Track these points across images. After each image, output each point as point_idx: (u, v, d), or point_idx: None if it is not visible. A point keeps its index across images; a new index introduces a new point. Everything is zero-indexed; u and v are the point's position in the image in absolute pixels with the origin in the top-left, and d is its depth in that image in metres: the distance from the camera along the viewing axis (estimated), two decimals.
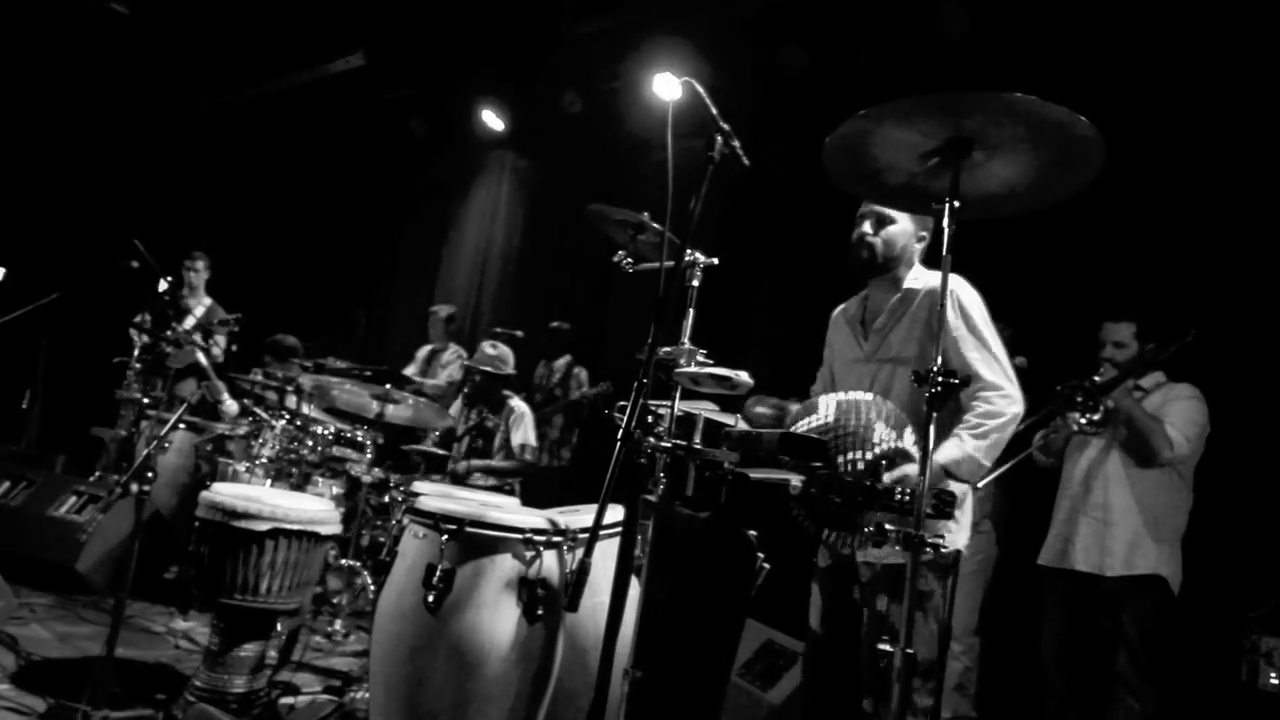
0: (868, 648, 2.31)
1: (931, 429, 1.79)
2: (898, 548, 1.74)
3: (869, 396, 2.21)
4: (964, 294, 2.42)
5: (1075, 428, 3.23)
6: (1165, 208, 4.09)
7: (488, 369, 5.08)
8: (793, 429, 2.15)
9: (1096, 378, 3.26)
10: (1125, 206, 4.19)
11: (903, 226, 2.51)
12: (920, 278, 2.50)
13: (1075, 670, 3.38)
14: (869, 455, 2.06)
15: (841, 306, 2.76)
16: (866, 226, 2.53)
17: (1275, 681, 3.13)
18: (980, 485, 3.30)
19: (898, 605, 2.25)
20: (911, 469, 2.07)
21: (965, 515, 2.45)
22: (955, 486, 2.42)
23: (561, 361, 6.12)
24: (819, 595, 2.54)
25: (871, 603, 2.33)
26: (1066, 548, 3.42)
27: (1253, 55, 3.92)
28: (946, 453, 2.26)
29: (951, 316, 2.36)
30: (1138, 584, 3.23)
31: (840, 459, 2.04)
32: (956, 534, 2.40)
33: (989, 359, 2.35)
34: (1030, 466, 3.68)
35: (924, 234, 2.54)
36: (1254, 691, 3.16)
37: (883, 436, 2.08)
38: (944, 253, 1.88)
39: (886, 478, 2.05)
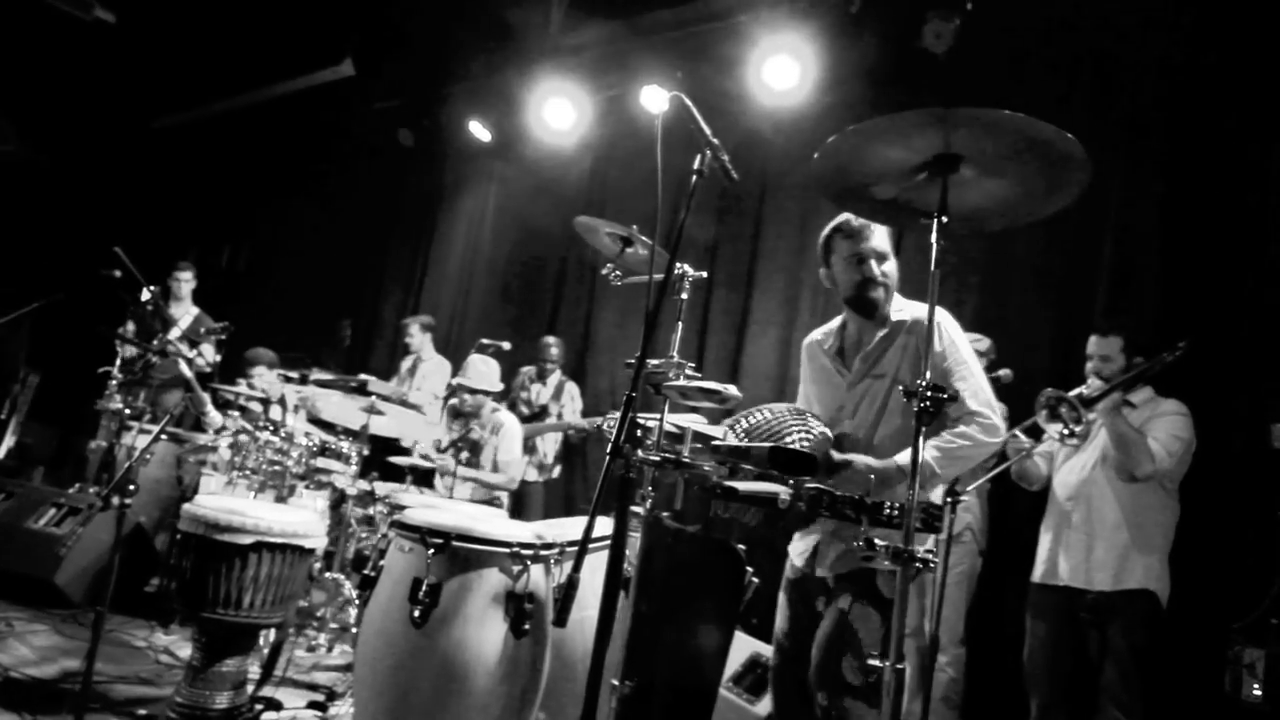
0: (820, 646, 2.29)
1: (920, 441, 1.80)
2: (886, 563, 1.74)
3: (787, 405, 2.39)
4: (949, 325, 2.47)
5: (1057, 438, 3.25)
6: (1153, 221, 4.13)
7: (474, 386, 5.08)
8: (733, 429, 2.26)
9: (1084, 390, 3.28)
10: (1113, 219, 4.23)
11: (893, 261, 2.54)
12: (904, 309, 2.52)
13: (1059, 681, 3.38)
14: (814, 434, 2.24)
15: (815, 337, 2.72)
16: (874, 268, 2.50)
17: (1258, 692, 3.14)
18: (966, 494, 3.32)
19: (860, 605, 2.26)
20: (857, 457, 2.31)
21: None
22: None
23: (552, 377, 6.11)
24: (785, 605, 2.55)
25: (834, 601, 2.33)
26: (1055, 563, 3.42)
27: (1240, 67, 3.97)
28: (907, 455, 2.26)
29: (940, 347, 2.41)
30: (1127, 598, 3.24)
31: (788, 439, 2.20)
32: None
33: (975, 390, 2.41)
34: (1011, 479, 3.70)
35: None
36: (1237, 702, 3.18)
37: (814, 422, 2.30)
38: (932, 268, 1.89)
39: (838, 457, 2.29)
